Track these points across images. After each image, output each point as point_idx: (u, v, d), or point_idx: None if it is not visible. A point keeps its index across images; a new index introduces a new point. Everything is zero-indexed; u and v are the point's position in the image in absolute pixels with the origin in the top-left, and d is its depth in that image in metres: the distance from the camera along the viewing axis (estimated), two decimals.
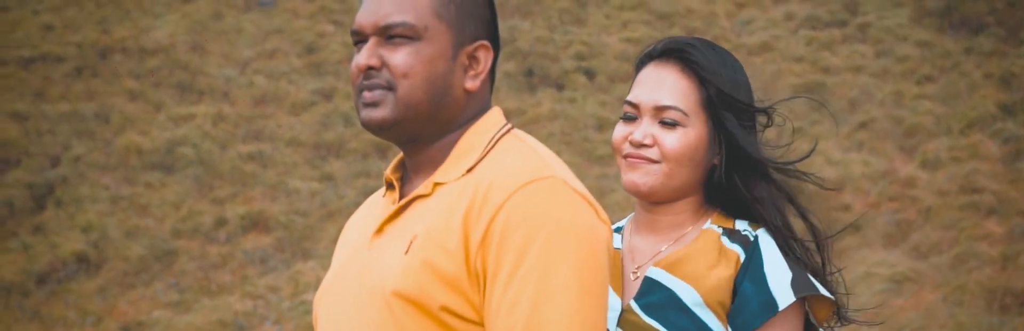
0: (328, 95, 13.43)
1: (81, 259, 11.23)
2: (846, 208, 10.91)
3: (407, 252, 1.88)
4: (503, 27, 13.37)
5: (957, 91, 13.10)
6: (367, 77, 1.94)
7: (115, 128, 12.74)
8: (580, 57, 14.12)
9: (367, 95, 1.93)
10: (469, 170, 1.93)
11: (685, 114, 2.28)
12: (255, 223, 11.45)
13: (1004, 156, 11.72)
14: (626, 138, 2.29)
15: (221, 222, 11.43)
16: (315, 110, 13.06)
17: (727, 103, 2.31)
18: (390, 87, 1.93)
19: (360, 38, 1.99)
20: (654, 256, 2.27)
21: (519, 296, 1.82)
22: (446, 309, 1.84)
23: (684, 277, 2.23)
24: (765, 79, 12.59)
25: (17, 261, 11.05)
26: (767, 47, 14.24)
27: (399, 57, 1.94)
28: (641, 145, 2.27)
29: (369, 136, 12.27)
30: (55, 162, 12.34)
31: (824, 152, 11.53)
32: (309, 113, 13.01)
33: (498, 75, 12.28)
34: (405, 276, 1.86)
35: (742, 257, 2.25)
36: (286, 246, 11.11)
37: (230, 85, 13.44)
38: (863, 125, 12.36)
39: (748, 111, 2.32)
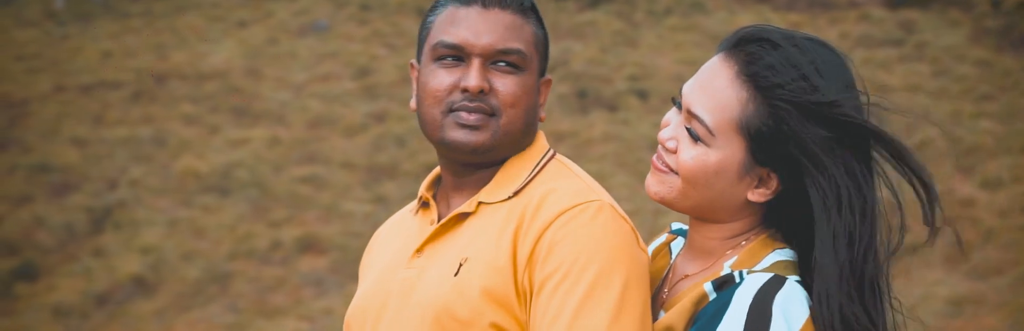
0: (381, 118, 13.46)
1: (139, 281, 11.33)
2: (908, 229, 10.83)
3: (457, 274, 1.90)
4: (556, 49, 13.40)
5: (1016, 110, 12.96)
6: (471, 99, 1.95)
7: (172, 152, 12.86)
8: (633, 78, 14.10)
9: (467, 117, 1.94)
10: (517, 193, 1.96)
11: (710, 132, 1.88)
12: (310, 245, 11.50)
13: None
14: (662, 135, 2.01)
15: (276, 244, 11.48)
16: (369, 133, 13.09)
17: (785, 122, 1.82)
18: (493, 113, 1.96)
19: (456, 54, 1.98)
20: (678, 282, 2.01)
21: (561, 310, 1.84)
22: (495, 325, 1.88)
23: None
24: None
25: (77, 283, 11.18)
26: None
27: (510, 86, 1.97)
28: (666, 148, 1.97)
29: (422, 158, 12.31)
30: (113, 186, 12.43)
31: (881, 173, 11.40)
32: (363, 136, 13.05)
33: (551, 97, 12.30)
34: (457, 299, 1.88)
35: (710, 297, 1.86)
36: (341, 268, 11.15)
37: (285, 109, 13.55)
38: (921, 145, 12.24)
39: (829, 141, 1.81)
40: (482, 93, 1.96)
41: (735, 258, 1.91)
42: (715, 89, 1.88)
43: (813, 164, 1.83)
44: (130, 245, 11.61)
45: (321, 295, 10.90)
